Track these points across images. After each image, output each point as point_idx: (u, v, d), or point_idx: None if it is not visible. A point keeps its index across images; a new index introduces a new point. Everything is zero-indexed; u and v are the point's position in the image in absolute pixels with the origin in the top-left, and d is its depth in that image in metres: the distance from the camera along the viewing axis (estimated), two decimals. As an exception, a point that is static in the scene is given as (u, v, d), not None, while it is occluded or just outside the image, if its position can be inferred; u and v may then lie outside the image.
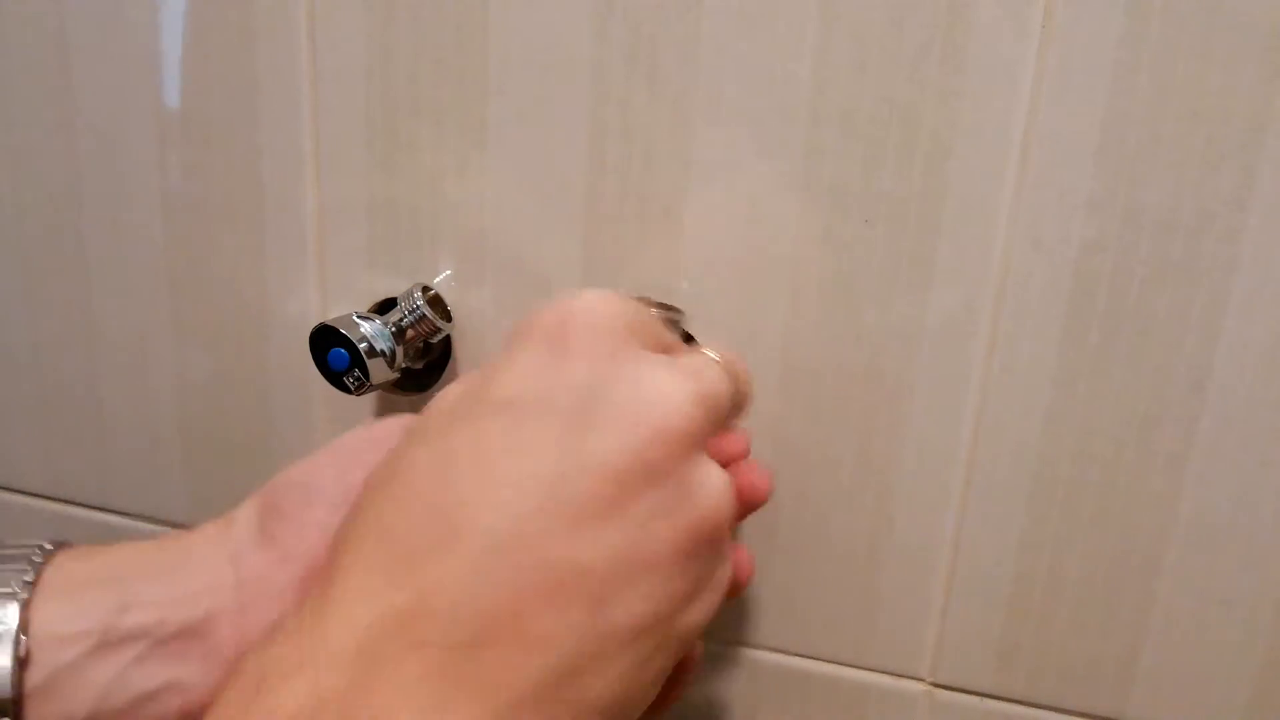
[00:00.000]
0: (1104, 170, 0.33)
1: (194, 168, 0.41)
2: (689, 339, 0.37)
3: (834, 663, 0.40)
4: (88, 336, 0.45)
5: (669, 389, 0.25)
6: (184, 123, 0.41)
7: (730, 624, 0.41)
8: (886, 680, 0.40)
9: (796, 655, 0.41)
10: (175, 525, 0.46)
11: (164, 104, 0.41)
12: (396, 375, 0.37)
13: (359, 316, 0.37)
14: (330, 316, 0.38)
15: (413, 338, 0.38)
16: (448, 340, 0.40)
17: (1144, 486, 0.36)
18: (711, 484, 0.26)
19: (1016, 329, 0.35)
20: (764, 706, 0.42)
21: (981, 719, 0.40)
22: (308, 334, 0.37)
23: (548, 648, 0.23)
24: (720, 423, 0.28)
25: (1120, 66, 0.32)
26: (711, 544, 0.26)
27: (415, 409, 0.41)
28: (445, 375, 0.40)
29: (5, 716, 0.27)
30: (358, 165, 0.39)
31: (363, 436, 0.32)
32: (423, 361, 0.40)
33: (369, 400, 0.42)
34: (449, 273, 0.39)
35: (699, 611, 0.26)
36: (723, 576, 0.27)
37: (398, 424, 0.32)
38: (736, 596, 0.32)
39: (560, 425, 0.24)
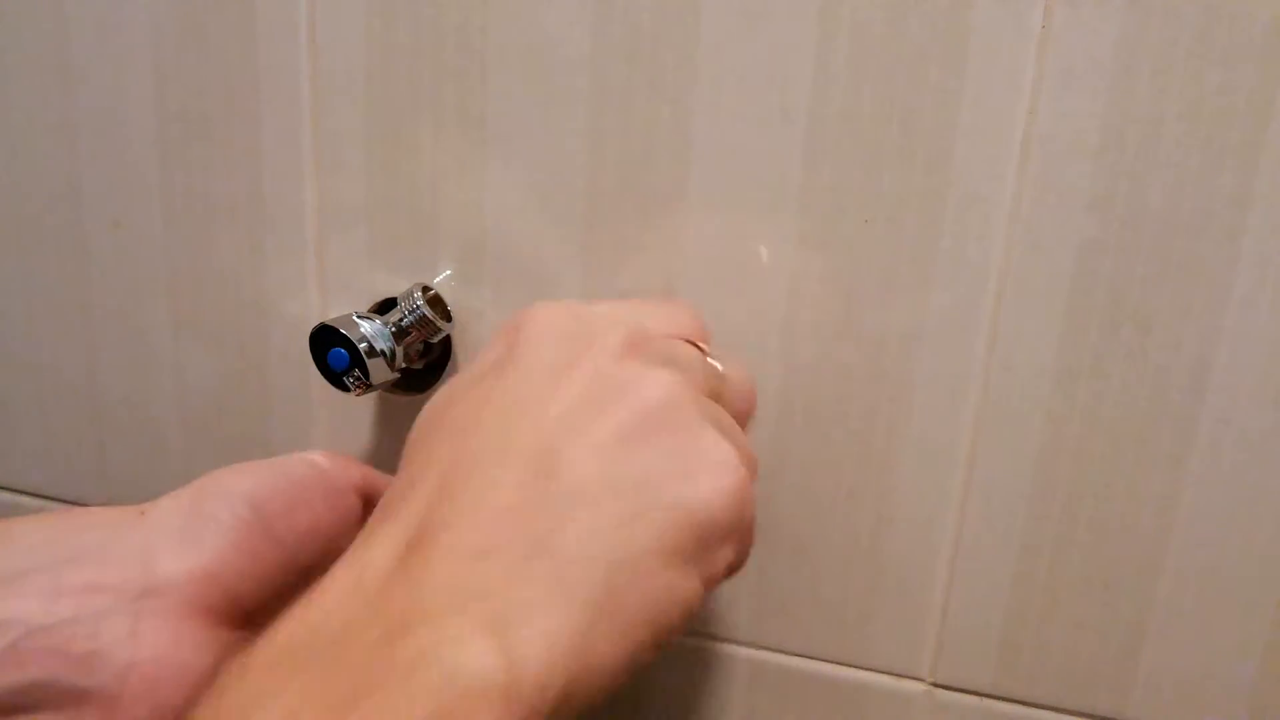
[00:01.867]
0: (1104, 170, 0.33)
1: (194, 168, 0.41)
2: None
3: (834, 663, 0.40)
4: (88, 336, 0.45)
5: (598, 324, 0.29)
6: (184, 123, 0.41)
7: (730, 624, 0.41)
8: (886, 680, 0.40)
9: (796, 655, 0.41)
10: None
11: (164, 104, 0.41)
12: (396, 375, 0.37)
13: (359, 316, 0.37)
14: (330, 316, 0.38)
15: (413, 338, 0.38)
16: (448, 340, 0.40)
17: (1144, 486, 0.36)
18: (646, 377, 0.28)
19: (1016, 329, 0.35)
20: (764, 706, 0.42)
21: (981, 719, 0.40)
22: (308, 334, 0.37)
23: (513, 517, 0.25)
24: (664, 353, 0.30)
25: (1120, 66, 0.32)
26: (661, 425, 0.27)
27: (415, 409, 0.41)
28: (445, 375, 0.40)
29: None
30: (358, 165, 0.39)
31: (314, 474, 0.33)
32: (423, 361, 0.40)
33: (369, 400, 0.42)
34: (449, 273, 0.39)
35: (689, 485, 0.26)
36: (707, 450, 0.27)
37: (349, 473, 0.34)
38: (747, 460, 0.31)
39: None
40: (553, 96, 0.36)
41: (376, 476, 0.35)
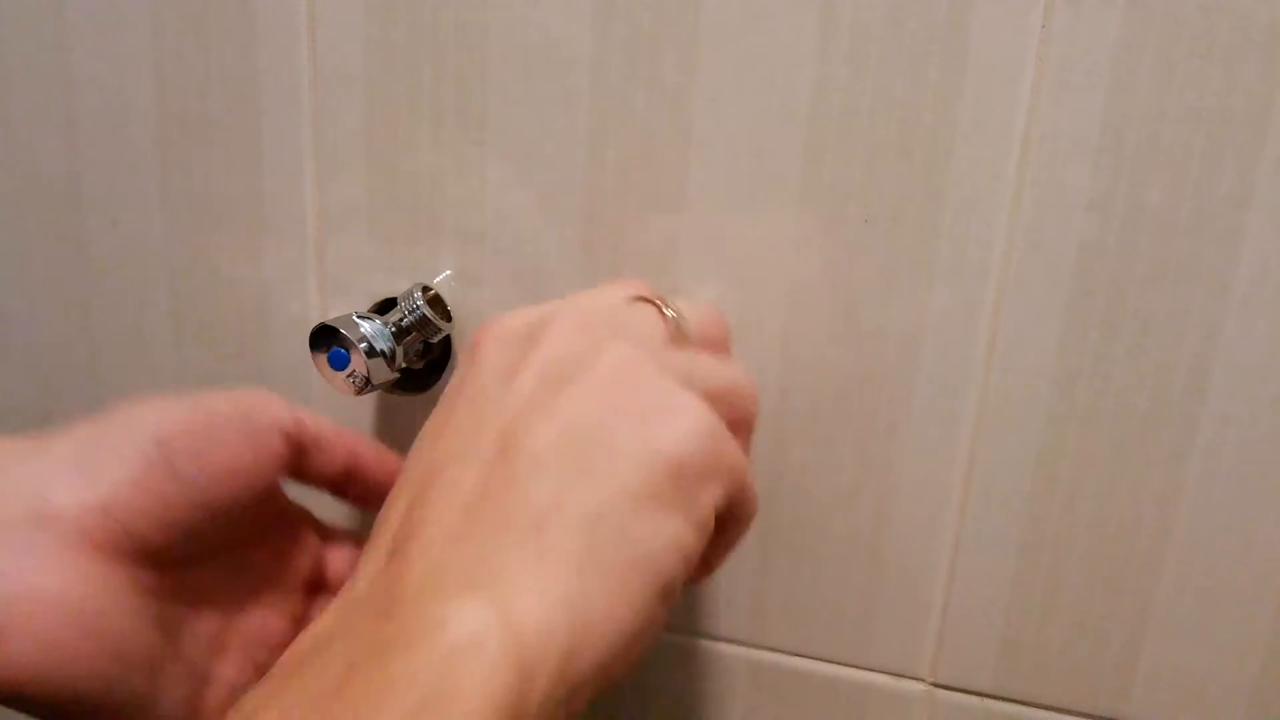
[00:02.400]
0: (1104, 170, 0.33)
1: (194, 168, 0.41)
2: None
3: (834, 663, 0.40)
4: (87, 337, 0.45)
5: (553, 315, 0.30)
6: (184, 123, 0.41)
7: (730, 624, 0.41)
8: (886, 680, 0.40)
9: (796, 655, 0.41)
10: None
11: (164, 104, 0.41)
12: (396, 375, 0.37)
13: (359, 316, 0.37)
14: (330, 316, 0.38)
15: (413, 338, 0.38)
16: (448, 340, 0.40)
17: (1144, 487, 0.36)
18: (591, 348, 0.28)
19: (1016, 329, 0.35)
20: (764, 706, 0.42)
21: (981, 719, 0.40)
22: (308, 334, 0.37)
23: (490, 495, 0.26)
24: (616, 323, 0.30)
25: (1120, 66, 0.32)
26: (611, 383, 0.27)
27: (415, 409, 0.41)
28: (445, 375, 0.40)
29: None
30: (358, 165, 0.39)
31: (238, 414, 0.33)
32: (423, 361, 0.40)
33: (369, 400, 0.42)
34: (449, 273, 0.39)
35: (646, 433, 0.26)
36: (659, 402, 0.27)
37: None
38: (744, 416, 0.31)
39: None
40: (553, 96, 0.36)
41: (310, 421, 0.34)
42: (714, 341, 0.33)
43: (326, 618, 0.25)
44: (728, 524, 0.29)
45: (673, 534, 0.26)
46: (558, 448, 0.26)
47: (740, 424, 0.30)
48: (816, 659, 0.41)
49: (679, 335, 0.31)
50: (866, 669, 0.40)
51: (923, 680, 0.40)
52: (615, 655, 0.24)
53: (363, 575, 0.26)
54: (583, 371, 0.27)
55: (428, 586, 0.24)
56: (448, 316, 0.39)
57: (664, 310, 0.31)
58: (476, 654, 0.22)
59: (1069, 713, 0.39)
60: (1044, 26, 0.32)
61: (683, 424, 0.27)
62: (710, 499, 0.27)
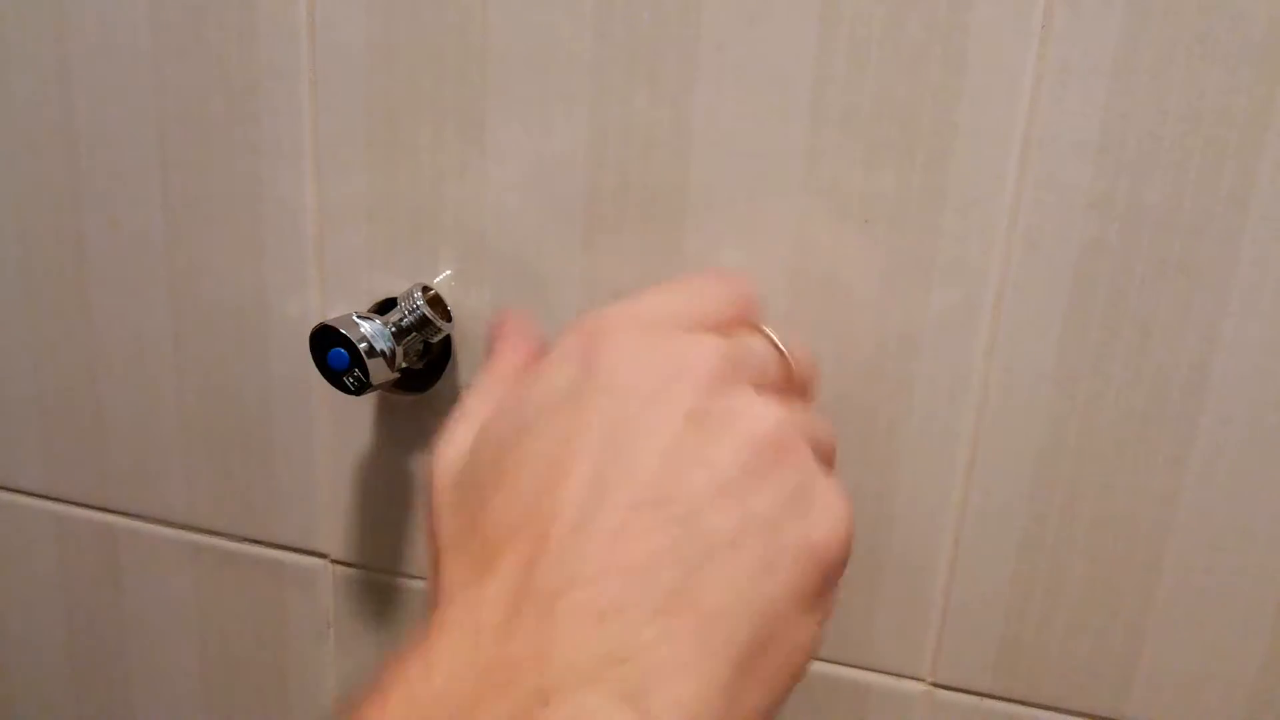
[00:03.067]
0: (1104, 170, 0.33)
1: (194, 168, 0.41)
2: None
3: (834, 663, 0.40)
4: (88, 336, 0.45)
5: (687, 348, 0.27)
6: (184, 123, 0.41)
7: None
8: (886, 680, 0.40)
9: (796, 655, 0.41)
10: (175, 525, 0.46)
11: (164, 104, 0.41)
12: (396, 375, 0.37)
13: (359, 316, 0.37)
14: (330, 316, 0.38)
15: (413, 338, 0.38)
16: (448, 340, 0.40)
17: (1144, 486, 0.36)
18: (754, 408, 0.26)
19: (1016, 329, 0.35)
20: None
21: (981, 719, 0.39)
22: (308, 334, 0.37)
23: (646, 570, 0.23)
24: (756, 368, 0.28)
25: (1120, 66, 0.32)
26: (776, 460, 0.25)
27: (415, 409, 0.41)
28: (445, 375, 0.40)
29: None
30: (358, 165, 0.39)
31: None
32: (423, 361, 0.40)
33: (369, 400, 0.42)
34: (449, 273, 0.39)
35: (811, 527, 0.25)
36: (820, 488, 0.26)
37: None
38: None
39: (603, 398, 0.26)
40: (553, 96, 0.36)
41: None
42: (807, 381, 0.32)
43: (454, 660, 0.22)
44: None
45: (818, 634, 0.25)
46: (731, 528, 0.24)
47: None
48: (817, 659, 0.40)
49: (788, 376, 0.30)
50: (866, 669, 0.40)
51: (923, 680, 0.40)
52: None
53: (488, 619, 0.23)
54: (737, 428, 0.25)
55: (578, 681, 0.21)
56: (448, 316, 0.39)
57: (780, 348, 0.30)
58: None
59: (1069, 713, 0.39)
60: (1044, 26, 0.32)
61: (831, 515, 0.26)
62: (838, 586, 0.26)
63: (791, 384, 0.30)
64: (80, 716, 0.52)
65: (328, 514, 0.44)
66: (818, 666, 0.40)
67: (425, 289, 0.38)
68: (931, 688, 0.40)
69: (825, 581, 0.25)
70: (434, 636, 0.23)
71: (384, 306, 0.40)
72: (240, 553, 0.46)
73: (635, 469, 0.24)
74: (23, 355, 0.46)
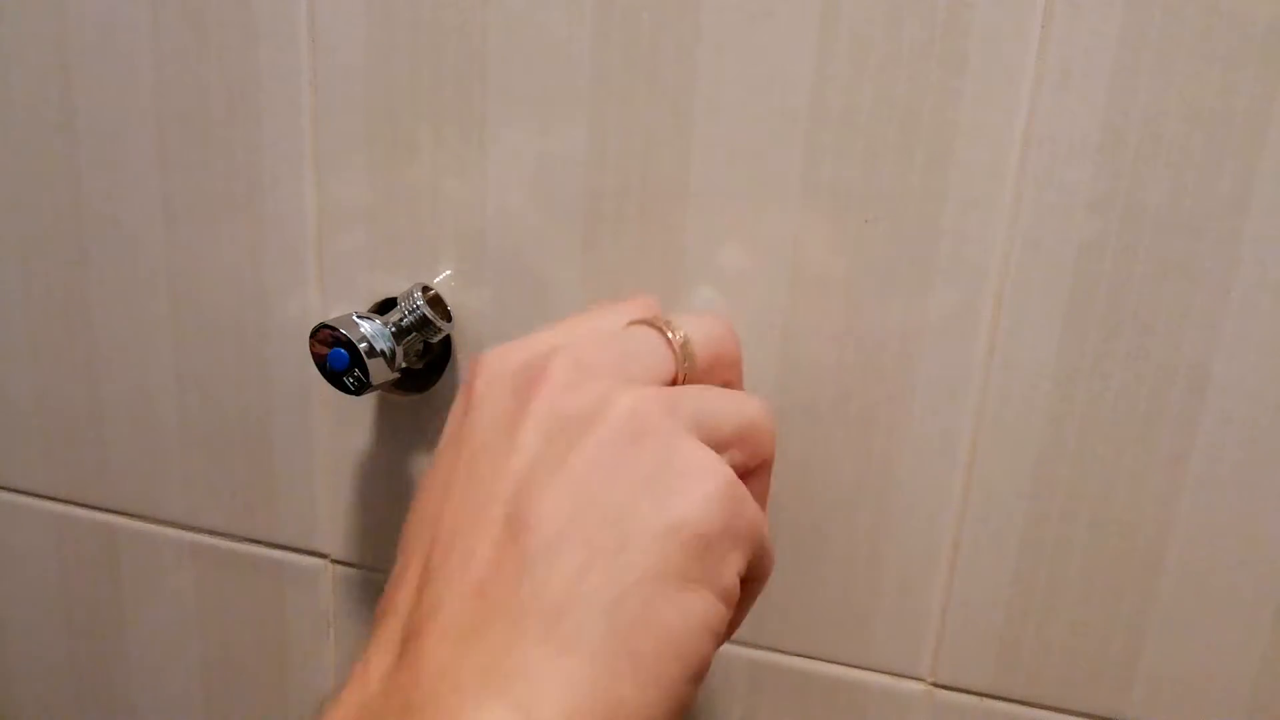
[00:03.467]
0: (1104, 170, 0.33)
1: (194, 168, 0.41)
2: None
3: (834, 663, 0.40)
4: (87, 337, 0.45)
5: (545, 358, 0.28)
6: (184, 123, 0.41)
7: (730, 624, 0.41)
8: (886, 680, 0.40)
9: (796, 655, 0.41)
10: (175, 525, 0.46)
11: (164, 104, 0.41)
12: (396, 375, 0.37)
13: (359, 316, 0.37)
14: (330, 316, 0.38)
15: (413, 338, 0.38)
16: (448, 340, 0.40)
17: (1144, 486, 0.36)
18: (600, 399, 0.26)
19: (1016, 329, 0.35)
20: (764, 706, 0.42)
21: (981, 719, 0.39)
22: (308, 334, 0.37)
23: (498, 575, 0.24)
24: (615, 363, 0.28)
25: (1120, 66, 0.32)
26: (628, 445, 0.25)
27: (415, 409, 0.41)
28: (445, 375, 0.40)
29: None
30: (358, 165, 0.39)
31: None
32: (423, 361, 0.40)
33: (369, 400, 0.42)
34: (449, 273, 0.39)
35: (663, 507, 0.25)
36: (674, 467, 0.25)
37: None
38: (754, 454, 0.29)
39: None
40: (553, 96, 0.36)
41: None
42: (725, 362, 0.31)
43: (352, 694, 0.24)
44: (748, 584, 0.27)
45: (700, 612, 0.25)
46: (571, 525, 0.24)
47: (760, 465, 0.29)
48: (816, 659, 0.41)
49: (688, 363, 0.29)
50: (866, 669, 0.40)
51: (923, 680, 0.40)
52: None
53: (375, 667, 0.25)
54: (589, 427, 0.25)
55: (447, 686, 0.22)
56: (448, 316, 0.39)
57: (669, 335, 0.29)
58: None
59: (1069, 713, 0.39)
60: (1044, 26, 0.32)
61: (700, 489, 0.25)
62: (734, 566, 0.26)
63: (692, 368, 0.29)
64: (80, 716, 0.52)
65: (328, 514, 0.44)
66: (818, 666, 0.41)
67: (425, 289, 0.38)
68: (931, 688, 0.40)
69: (698, 557, 0.25)
70: (340, 693, 0.25)
71: (384, 306, 0.40)
72: (240, 553, 0.46)
73: (493, 495, 0.25)
74: (23, 355, 0.46)
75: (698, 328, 0.30)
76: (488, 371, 0.28)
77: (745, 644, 0.41)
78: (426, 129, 0.38)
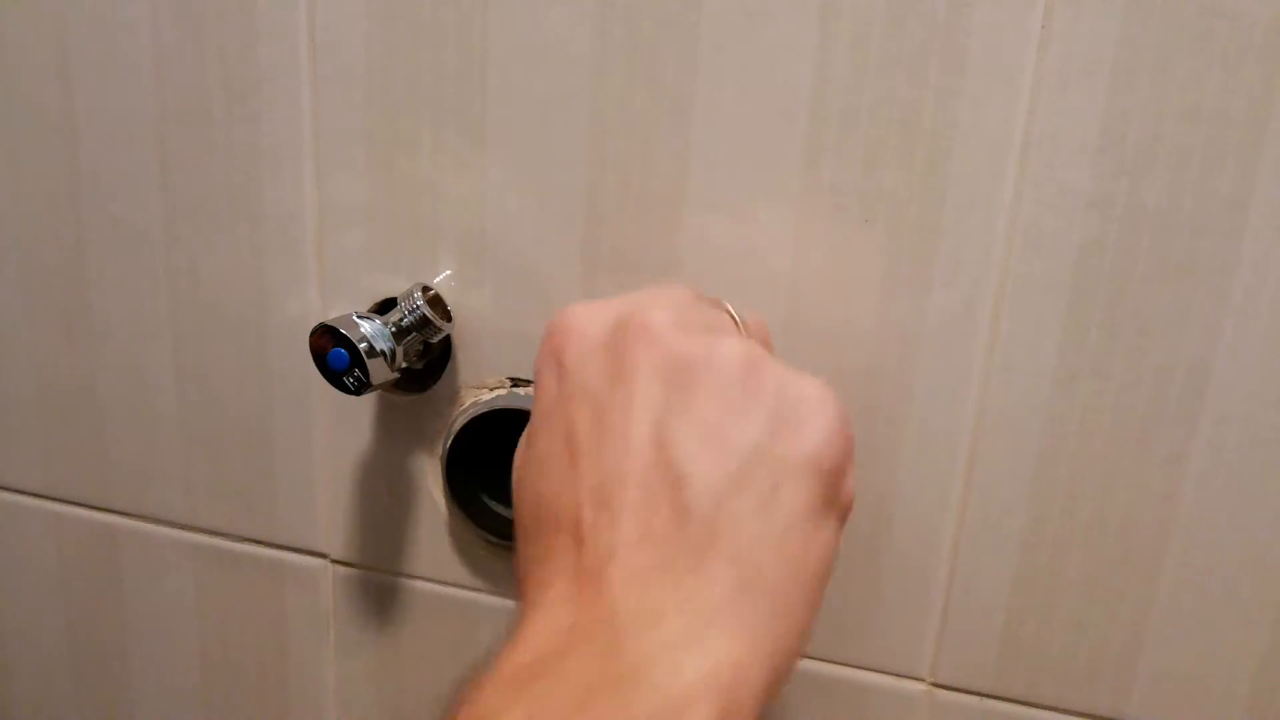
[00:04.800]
0: (1104, 170, 0.33)
1: (194, 168, 0.41)
2: None
3: (834, 663, 0.40)
4: (87, 337, 0.45)
5: (639, 310, 0.28)
6: (184, 123, 0.41)
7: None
8: (886, 680, 0.40)
9: (796, 655, 0.41)
10: (175, 525, 0.47)
11: (164, 104, 0.41)
12: (396, 375, 0.37)
13: (359, 316, 0.37)
14: (330, 316, 0.38)
15: (413, 338, 0.38)
16: (448, 340, 0.40)
17: (1144, 486, 0.36)
18: (708, 344, 0.27)
19: (1016, 329, 0.35)
20: (764, 706, 0.42)
21: (981, 719, 0.40)
22: (308, 334, 0.37)
23: (672, 527, 0.25)
24: (703, 319, 0.29)
25: (1120, 66, 0.32)
26: (750, 384, 0.26)
27: (415, 409, 0.41)
28: (445, 375, 0.40)
29: None
30: (358, 165, 0.39)
31: None
32: (423, 361, 0.40)
33: (369, 400, 0.42)
34: (449, 273, 0.39)
35: (800, 438, 0.26)
36: (795, 398, 0.27)
37: None
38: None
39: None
40: (553, 96, 0.36)
41: None
42: (766, 343, 0.33)
43: (536, 638, 0.25)
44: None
45: (831, 536, 0.26)
46: (719, 468, 0.25)
47: None
48: (816, 659, 0.41)
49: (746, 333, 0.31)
50: (866, 669, 0.40)
51: (923, 680, 0.40)
52: (796, 663, 0.26)
53: (554, 602, 0.25)
54: (705, 371, 0.26)
55: (643, 628, 0.24)
56: (448, 316, 0.39)
57: (731, 312, 0.31)
58: (696, 705, 0.23)
59: (1069, 713, 0.39)
60: (1044, 26, 0.32)
61: (823, 419, 0.26)
62: (849, 487, 0.27)
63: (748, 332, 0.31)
64: (80, 716, 0.52)
65: (328, 514, 0.44)
66: (818, 666, 0.41)
67: (425, 289, 0.38)
68: (931, 688, 0.40)
69: (833, 483, 0.26)
70: (523, 622, 0.25)
71: (384, 306, 0.40)
72: (240, 553, 0.46)
73: (633, 448, 0.26)
74: (23, 355, 0.46)
75: (751, 314, 0.32)
76: (575, 335, 0.28)
77: (745, 644, 0.41)
78: (426, 129, 0.38)
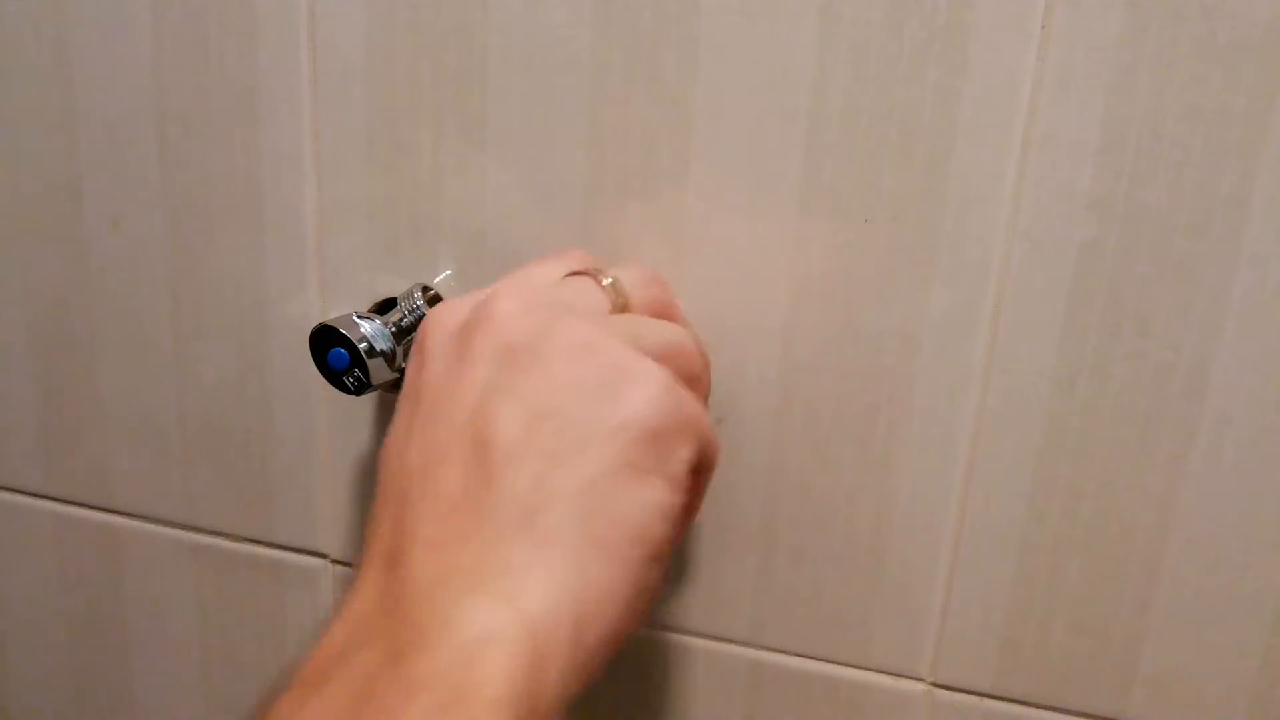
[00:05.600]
0: (1104, 170, 0.33)
1: (194, 168, 0.41)
2: None
3: (834, 663, 0.40)
4: (88, 336, 0.45)
5: (495, 299, 0.30)
6: (184, 123, 0.41)
7: (730, 624, 0.41)
8: (886, 680, 0.40)
9: (796, 655, 0.41)
10: (175, 525, 0.46)
11: (164, 104, 0.41)
12: (396, 375, 0.37)
13: (359, 316, 0.37)
14: (330, 316, 0.38)
15: (412, 338, 0.38)
16: (448, 340, 0.40)
17: (1144, 486, 0.36)
18: (549, 323, 0.28)
19: (1016, 329, 0.35)
20: (764, 706, 0.42)
21: (981, 719, 0.39)
22: (308, 334, 0.37)
23: (469, 487, 0.26)
24: (566, 300, 0.31)
25: (1120, 66, 0.32)
26: (581, 358, 0.28)
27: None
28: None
29: None
30: (358, 165, 0.39)
31: None
32: (423, 361, 0.40)
33: (369, 400, 0.42)
34: (449, 273, 0.39)
35: (615, 406, 0.27)
36: (622, 371, 0.28)
37: None
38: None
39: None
40: (553, 96, 0.36)
41: None
42: (659, 303, 0.33)
43: (339, 630, 0.26)
44: (698, 473, 0.30)
45: (654, 499, 0.27)
46: (529, 435, 0.26)
47: (691, 381, 0.31)
48: (816, 659, 0.41)
49: (620, 302, 0.32)
50: (866, 669, 0.40)
51: (922, 680, 0.40)
52: (619, 626, 0.26)
53: (365, 587, 0.26)
54: (535, 351, 0.28)
55: (435, 589, 0.24)
56: (448, 316, 0.39)
57: (600, 279, 0.32)
58: (492, 649, 0.23)
59: (1069, 713, 0.39)
60: (1044, 27, 0.32)
61: (643, 390, 0.27)
62: (682, 456, 0.28)
63: (629, 304, 0.32)
64: (80, 716, 0.52)
65: (328, 514, 0.44)
66: (818, 666, 0.41)
67: (425, 289, 0.38)
68: (931, 688, 0.40)
69: (648, 450, 0.27)
70: (333, 622, 0.26)
71: (384, 306, 0.40)
72: (240, 553, 0.46)
73: (454, 425, 0.27)
74: (23, 355, 0.46)
75: (627, 274, 0.33)
76: (436, 326, 0.30)
77: (745, 644, 0.41)
78: (426, 129, 0.38)
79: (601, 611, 0.25)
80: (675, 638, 0.42)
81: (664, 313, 0.34)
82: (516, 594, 0.24)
